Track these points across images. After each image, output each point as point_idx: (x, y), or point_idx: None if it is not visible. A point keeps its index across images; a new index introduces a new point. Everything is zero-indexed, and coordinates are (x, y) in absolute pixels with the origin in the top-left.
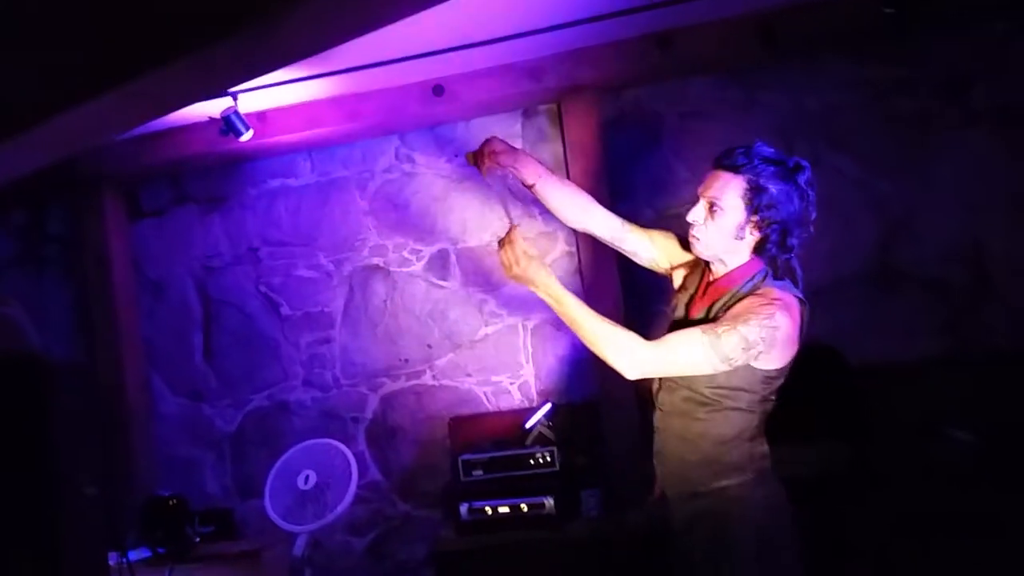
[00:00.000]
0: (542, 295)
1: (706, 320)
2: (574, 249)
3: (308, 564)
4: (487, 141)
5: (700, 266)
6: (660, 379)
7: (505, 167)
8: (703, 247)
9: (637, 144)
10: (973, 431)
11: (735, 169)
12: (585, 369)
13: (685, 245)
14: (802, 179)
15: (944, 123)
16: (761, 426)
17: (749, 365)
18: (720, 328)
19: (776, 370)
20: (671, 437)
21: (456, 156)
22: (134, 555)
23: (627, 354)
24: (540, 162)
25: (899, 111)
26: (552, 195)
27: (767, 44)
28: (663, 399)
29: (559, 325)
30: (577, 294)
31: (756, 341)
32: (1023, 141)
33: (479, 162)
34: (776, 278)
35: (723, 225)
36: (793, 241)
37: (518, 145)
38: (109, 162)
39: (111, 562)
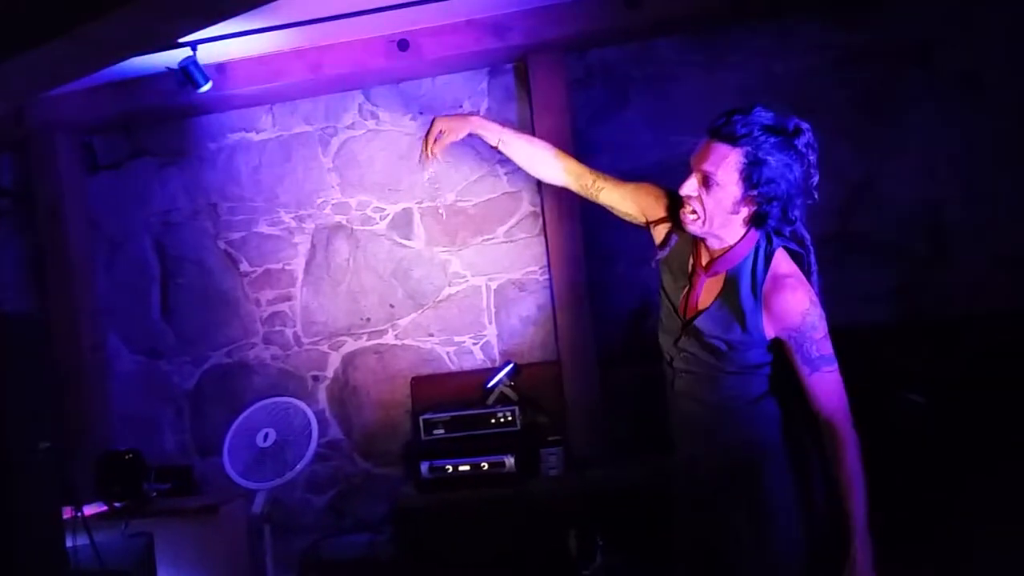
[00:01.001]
0: None
1: (715, 316)
2: (538, 209)
3: (267, 521)
4: (431, 126)
5: (685, 238)
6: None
7: (461, 138)
8: (699, 226)
9: (604, 104)
10: (924, 394)
11: (733, 141)
12: (547, 330)
13: (663, 198)
14: (801, 143)
15: (907, 89)
16: (787, 385)
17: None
18: (815, 351)
19: None
20: (691, 405)
21: (421, 113)
22: (89, 509)
23: (853, 445)
24: (495, 122)
25: (863, 78)
26: (517, 151)
27: (736, 6)
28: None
29: (522, 286)
30: (541, 252)
31: (825, 326)
32: (985, 108)
33: (430, 150)
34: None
35: (719, 199)
36: (795, 213)
37: (484, 104)
38: (64, 112)
39: (65, 516)
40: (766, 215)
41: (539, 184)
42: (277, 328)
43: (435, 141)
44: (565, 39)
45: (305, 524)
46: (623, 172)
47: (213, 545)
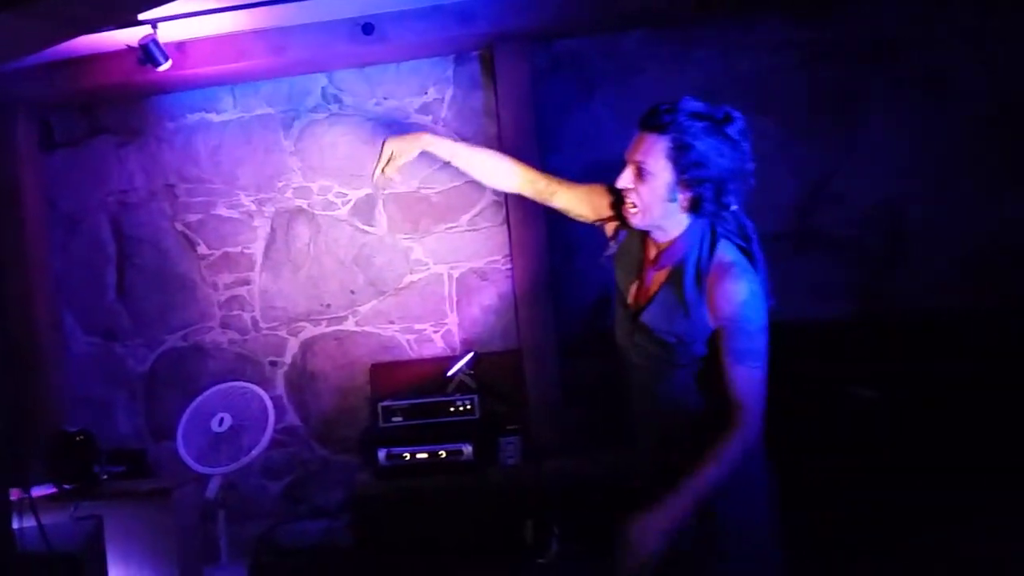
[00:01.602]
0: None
1: (665, 305)
2: (502, 199)
3: (222, 506)
4: (382, 148)
5: (633, 233)
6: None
7: (413, 157)
8: (640, 217)
9: (569, 95)
10: (876, 389)
11: (660, 129)
12: (508, 319)
13: (611, 196)
14: (732, 130)
15: (870, 89)
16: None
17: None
18: (742, 343)
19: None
20: (651, 406)
21: (386, 99)
22: (37, 490)
23: (746, 442)
24: (444, 138)
25: (825, 76)
26: (471, 165)
27: (701, 1)
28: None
29: (484, 275)
30: (503, 242)
31: (762, 320)
32: (946, 109)
33: (383, 171)
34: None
35: (654, 187)
36: (730, 198)
37: (449, 91)
38: (21, 87)
39: (13, 497)
40: (700, 198)
41: None
42: (235, 312)
43: (388, 163)
44: (531, 29)
45: (261, 510)
46: (587, 162)
47: (165, 529)
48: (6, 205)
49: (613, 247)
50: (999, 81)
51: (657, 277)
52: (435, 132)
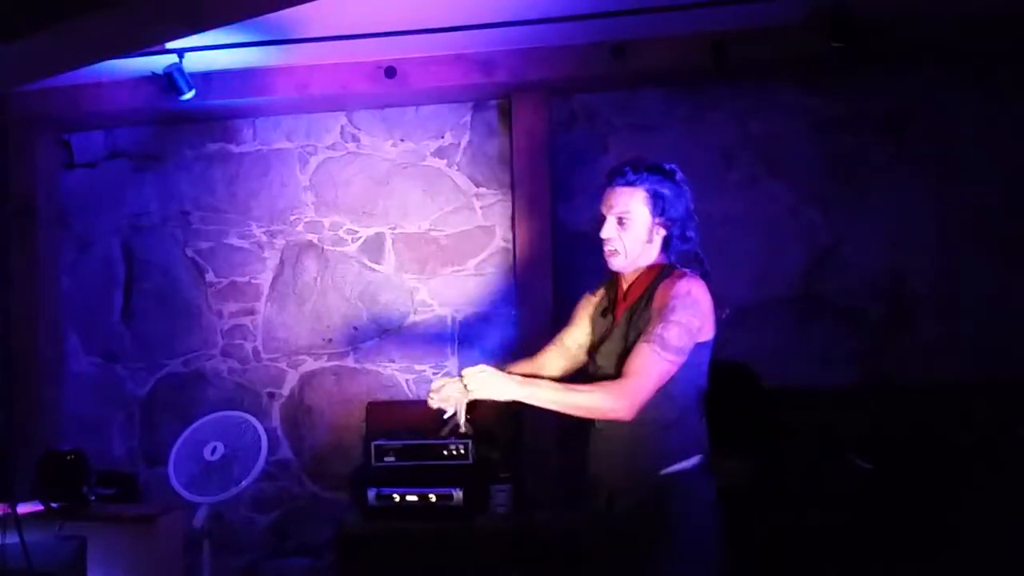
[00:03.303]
0: (511, 398)
1: (631, 321)
2: (510, 246)
3: (207, 536)
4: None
5: (609, 285)
6: (594, 380)
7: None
8: (621, 260)
9: (584, 148)
10: (870, 459)
11: (631, 183)
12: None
13: (584, 307)
14: (679, 179)
15: (878, 160)
16: (701, 406)
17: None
18: (658, 329)
19: (710, 340)
20: (613, 433)
21: (403, 140)
22: (24, 507)
23: (612, 403)
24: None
25: (836, 144)
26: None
27: (718, 63)
28: None
29: (488, 319)
30: (509, 289)
31: (690, 321)
32: (951, 184)
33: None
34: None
35: (635, 233)
36: (691, 233)
37: (466, 137)
38: (44, 107)
39: None
40: (671, 236)
41: (512, 221)
42: (237, 341)
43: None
44: (550, 81)
45: (247, 543)
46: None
47: (148, 555)
48: (21, 220)
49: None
50: (1006, 158)
51: (622, 308)
52: (450, 176)
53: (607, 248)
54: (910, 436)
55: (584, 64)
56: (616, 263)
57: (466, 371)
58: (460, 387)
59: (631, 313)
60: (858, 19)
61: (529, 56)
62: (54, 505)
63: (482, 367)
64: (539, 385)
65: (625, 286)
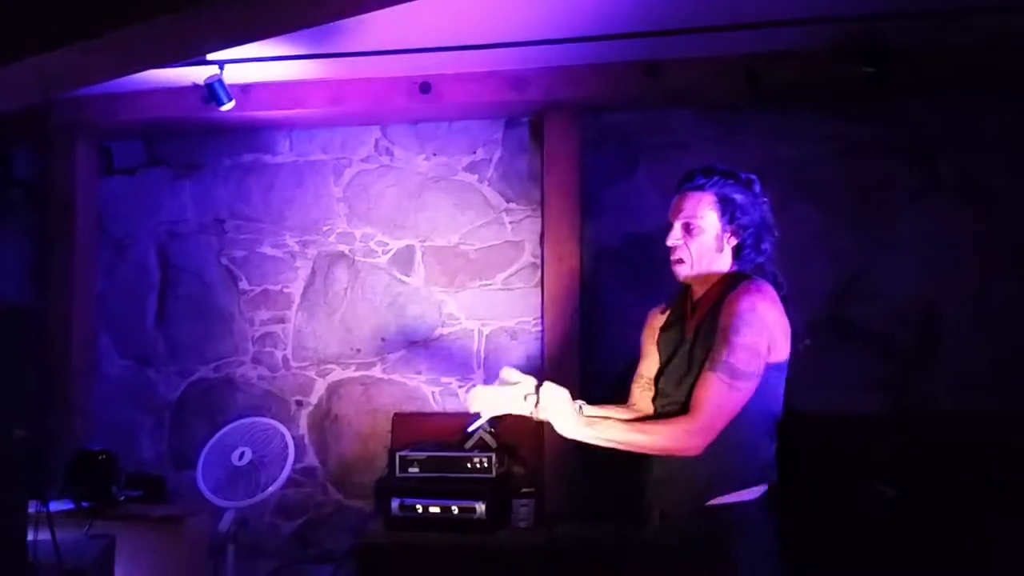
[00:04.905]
0: (573, 437)
1: (697, 338)
2: (539, 261)
3: (232, 540)
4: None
5: (678, 299)
6: (657, 389)
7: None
8: (687, 268)
9: (614, 166)
10: (898, 487)
11: (700, 188)
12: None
13: (648, 339)
14: (757, 189)
15: (908, 187)
16: (772, 433)
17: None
18: (723, 355)
19: (783, 361)
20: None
21: (435, 155)
22: (55, 505)
23: (681, 444)
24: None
25: (866, 170)
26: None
27: (750, 86)
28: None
29: (514, 335)
30: (537, 304)
31: (757, 341)
32: (982, 211)
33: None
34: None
35: (703, 241)
36: (766, 245)
37: (497, 153)
38: (86, 113)
39: (31, 509)
40: (742, 245)
41: (542, 236)
42: (267, 349)
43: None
44: (582, 99)
45: (270, 549)
46: (626, 232)
47: (174, 556)
48: (60, 224)
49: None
50: None
51: (691, 324)
52: (480, 191)
53: (673, 256)
54: (937, 464)
55: (617, 83)
56: (682, 271)
57: (547, 387)
58: (520, 397)
59: (699, 329)
60: (888, 44)
61: (562, 74)
62: (84, 504)
63: (562, 392)
64: (603, 426)
65: (695, 298)
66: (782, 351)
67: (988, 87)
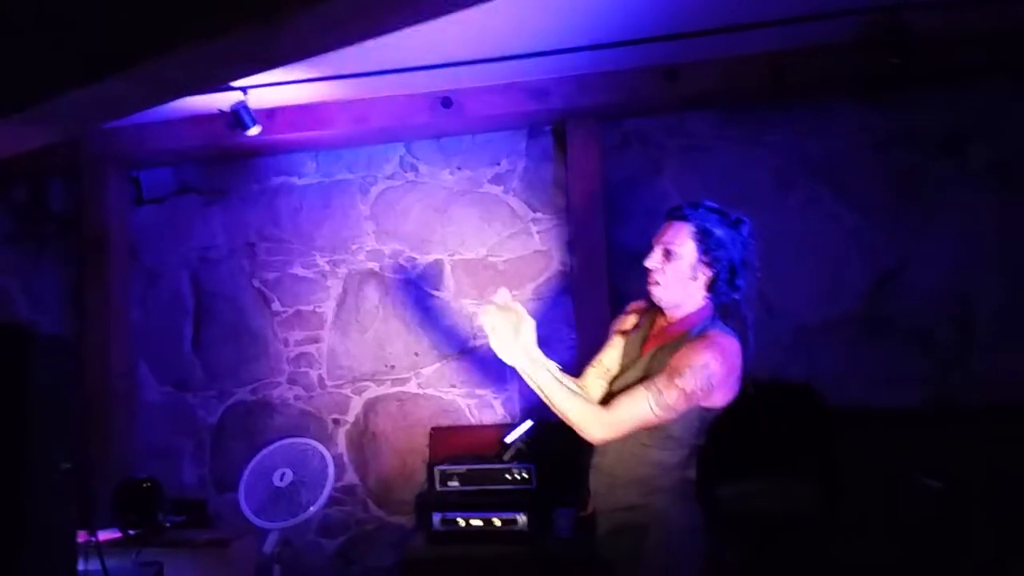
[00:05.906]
0: (518, 370)
1: (652, 360)
2: (567, 269)
3: (277, 561)
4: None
5: (651, 315)
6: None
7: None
8: (662, 291)
9: (638, 171)
10: (942, 480)
11: (684, 218)
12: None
13: (615, 336)
14: (744, 231)
15: (941, 178)
16: (694, 457)
17: (697, 405)
18: (661, 384)
19: (719, 408)
20: (610, 455)
21: (459, 168)
22: (103, 534)
23: (588, 426)
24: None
25: (898, 162)
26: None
27: (775, 84)
28: None
29: (546, 342)
30: (568, 312)
31: (695, 391)
32: (1016, 201)
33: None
34: (724, 323)
35: (679, 267)
36: (740, 282)
37: (521, 163)
38: (115, 145)
39: (79, 539)
40: (716, 278)
41: (570, 245)
42: (303, 369)
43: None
44: (603, 106)
45: (314, 568)
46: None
47: None
48: (93, 255)
49: (631, 332)
50: None
51: (651, 345)
52: (506, 203)
53: (650, 279)
54: (981, 458)
55: (637, 89)
56: (656, 293)
57: (499, 304)
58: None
59: (656, 354)
60: (916, 34)
61: (582, 82)
62: (131, 532)
63: (511, 318)
64: (541, 370)
65: (663, 324)
66: (720, 400)
67: (1017, 73)
